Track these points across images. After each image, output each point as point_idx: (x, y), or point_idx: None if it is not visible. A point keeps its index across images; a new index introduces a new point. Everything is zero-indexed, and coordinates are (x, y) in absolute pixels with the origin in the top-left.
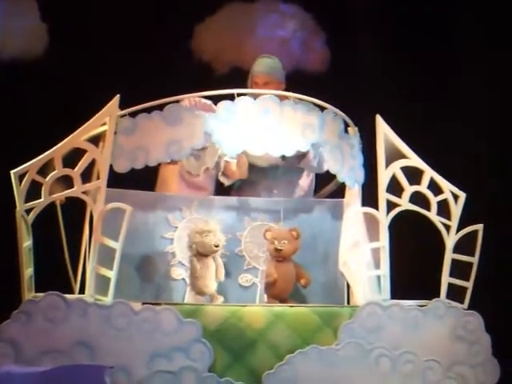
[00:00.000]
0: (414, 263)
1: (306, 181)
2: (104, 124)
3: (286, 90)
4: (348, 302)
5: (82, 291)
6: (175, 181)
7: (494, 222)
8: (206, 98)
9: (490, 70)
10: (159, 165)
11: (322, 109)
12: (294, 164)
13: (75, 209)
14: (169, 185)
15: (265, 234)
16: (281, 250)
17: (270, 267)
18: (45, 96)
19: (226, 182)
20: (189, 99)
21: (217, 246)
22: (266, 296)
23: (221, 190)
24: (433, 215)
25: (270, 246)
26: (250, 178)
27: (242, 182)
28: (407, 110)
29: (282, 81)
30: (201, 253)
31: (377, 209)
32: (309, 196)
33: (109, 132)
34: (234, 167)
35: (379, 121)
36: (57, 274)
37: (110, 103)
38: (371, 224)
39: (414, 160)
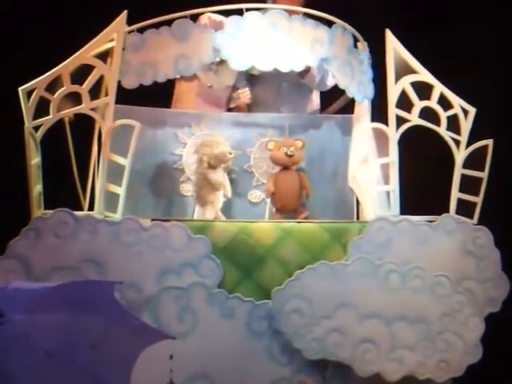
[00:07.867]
0: (423, 179)
1: (312, 102)
2: (112, 40)
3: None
4: (357, 218)
5: (91, 208)
6: (191, 97)
7: (504, 137)
8: (214, 13)
9: None
10: (174, 82)
11: (331, 24)
12: (296, 79)
13: (84, 126)
14: (183, 102)
15: (267, 144)
16: (292, 155)
17: (268, 182)
18: (53, 12)
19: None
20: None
21: (230, 154)
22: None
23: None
24: (442, 130)
25: (278, 153)
26: (257, 98)
27: (250, 103)
28: (418, 24)
29: None
30: (212, 165)
31: (386, 124)
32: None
33: (116, 48)
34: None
35: (389, 35)
36: (66, 191)
37: (118, 19)
38: (380, 139)
39: (424, 75)
